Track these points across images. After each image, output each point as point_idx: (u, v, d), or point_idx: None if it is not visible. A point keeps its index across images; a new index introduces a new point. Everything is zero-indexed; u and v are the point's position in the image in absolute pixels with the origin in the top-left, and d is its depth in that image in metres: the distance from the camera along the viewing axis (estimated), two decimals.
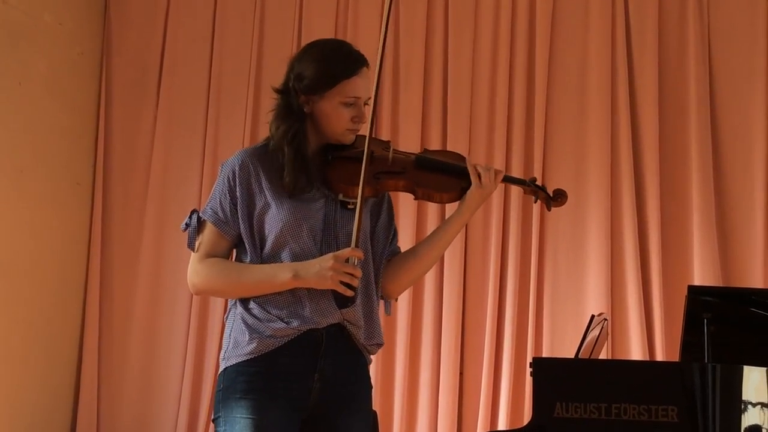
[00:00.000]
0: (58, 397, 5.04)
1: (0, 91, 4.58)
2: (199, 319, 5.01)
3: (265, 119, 4.97)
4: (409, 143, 4.76)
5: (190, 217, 2.46)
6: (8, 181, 4.63)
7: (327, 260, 2.31)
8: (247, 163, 2.42)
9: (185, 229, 2.47)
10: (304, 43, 4.96)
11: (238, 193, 2.40)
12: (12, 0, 4.64)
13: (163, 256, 5.13)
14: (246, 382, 2.36)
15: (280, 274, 2.34)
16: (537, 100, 4.79)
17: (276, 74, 5.00)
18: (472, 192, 2.47)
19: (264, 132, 5.01)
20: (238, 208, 2.40)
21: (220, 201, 2.42)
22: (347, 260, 2.31)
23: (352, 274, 2.30)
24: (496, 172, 2.50)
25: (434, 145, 4.82)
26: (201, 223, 2.44)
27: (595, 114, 4.73)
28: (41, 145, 4.87)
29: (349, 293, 2.31)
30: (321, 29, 5.00)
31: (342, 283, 2.30)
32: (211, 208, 2.43)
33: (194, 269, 2.43)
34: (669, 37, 4.77)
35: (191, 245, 2.45)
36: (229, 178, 2.42)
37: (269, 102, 5.05)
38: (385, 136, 4.78)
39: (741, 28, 4.71)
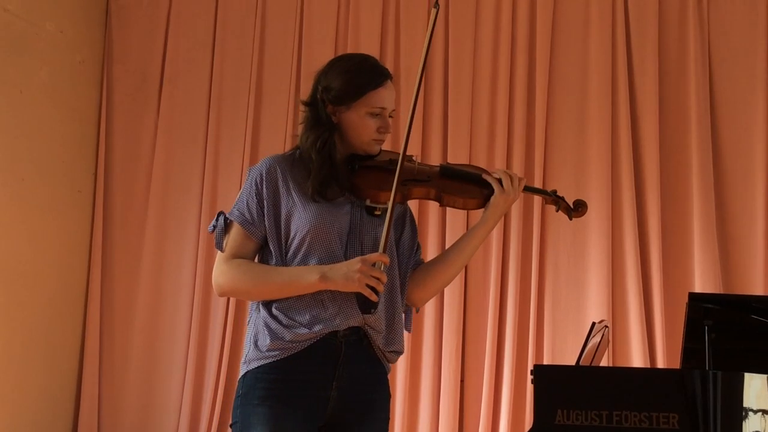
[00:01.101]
0: (59, 405, 5.04)
1: (1, 99, 4.59)
2: (200, 327, 5.01)
3: (266, 127, 5.07)
4: (409, 150, 4.76)
5: (217, 219, 2.50)
6: (9, 189, 4.64)
7: (355, 263, 2.33)
8: (274, 167, 2.47)
9: (212, 231, 2.50)
10: (303, 52, 5.03)
11: (264, 195, 2.44)
12: (13, 8, 4.65)
13: (164, 264, 5.14)
14: (264, 389, 2.38)
15: (307, 276, 2.36)
16: (537, 109, 4.80)
17: (277, 82, 5.09)
18: (495, 197, 2.50)
19: (265, 140, 5.06)
20: (265, 209, 2.44)
21: (247, 202, 2.45)
22: (374, 264, 2.33)
23: (378, 279, 2.32)
24: (519, 179, 2.54)
25: (435, 151, 4.83)
26: (228, 225, 2.47)
27: (595, 122, 4.73)
28: (42, 153, 4.87)
29: (374, 298, 2.33)
30: (321, 39, 5.02)
31: (368, 286, 2.32)
32: (237, 210, 2.46)
33: (220, 270, 2.46)
34: (669, 46, 4.77)
35: (219, 246, 2.48)
36: (256, 181, 2.46)
37: (270, 110, 5.13)
38: (385, 147, 4.78)
39: (741, 36, 4.71)
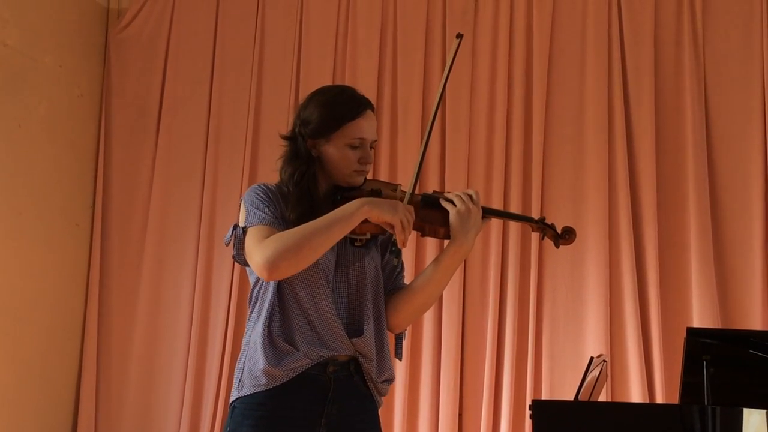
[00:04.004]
0: None
1: (0, 133, 4.59)
2: (197, 362, 4.99)
3: (264, 160, 5.08)
4: (407, 184, 4.77)
5: (234, 231, 2.40)
6: (7, 223, 4.64)
7: (395, 201, 2.38)
8: (268, 187, 2.44)
9: (228, 243, 2.42)
10: (301, 85, 5.05)
11: (272, 199, 2.40)
12: (13, 42, 4.68)
13: (162, 298, 5.12)
14: (252, 425, 2.35)
15: (351, 205, 2.34)
16: (534, 144, 4.80)
17: (275, 116, 5.11)
18: (452, 218, 2.42)
19: (262, 173, 5.07)
20: (277, 208, 2.39)
21: (258, 208, 2.38)
22: None
23: (409, 222, 2.35)
24: (474, 193, 2.47)
25: (432, 185, 4.82)
26: (246, 233, 2.38)
27: (592, 156, 4.74)
28: (40, 187, 4.88)
29: (403, 237, 2.34)
30: (319, 72, 5.03)
31: (402, 231, 2.34)
32: (254, 216, 2.37)
33: (261, 246, 2.29)
34: (665, 78, 4.79)
35: (239, 256, 2.39)
36: (259, 194, 2.41)
37: (268, 143, 5.15)
38: (383, 177, 4.80)
39: (737, 68, 4.73)
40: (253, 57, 5.19)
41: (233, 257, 2.43)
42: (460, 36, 2.48)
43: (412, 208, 2.38)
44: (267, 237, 2.32)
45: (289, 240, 2.28)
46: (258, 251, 2.29)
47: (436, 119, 2.48)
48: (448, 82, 2.50)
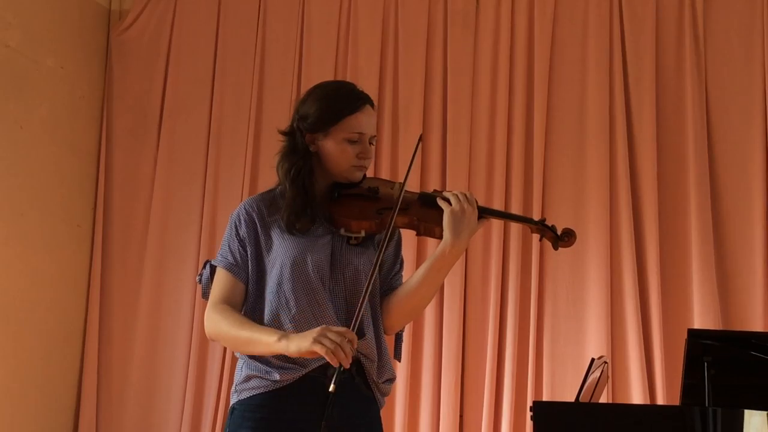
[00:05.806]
0: None
1: (1, 134, 4.60)
2: (198, 364, 4.99)
3: (265, 163, 5.07)
4: (408, 185, 4.77)
5: (203, 268, 2.49)
6: (8, 224, 4.64)
7: (317, 328, 2.21)
8: (251, 208, 2.45)
9: (200, 281, 2.49)
10: (303, 87, 5.04)
11: (243, 235, 2.42)
12: (15, 44, 4.68)
13: (163, 299, 5.12)
14: (251, 428, 2.36)
15: (268, 336, 2.28)
16: (536, 145, 4.80)
17: (276, 119, 5.11)
18: (445, 217, 2.37)
19: (264, 176, 5.07)
20: (247, 249, 2.42)
21: (229, 246, 2.44)
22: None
23: (337, 343, 2.14)
24: (469, 194, 2.42)
25: (433, 185, 4.83)
26: (213, 272, 2.46)
27: (593, 158, 4.74)
28: (42, 188, 4.88)
29: (335, 360, 2.14)
30: (321, 73, 5.03)
31: (329, 351, 2.14)
32: (221, 255, 2.45)
33: (207, 316, 2.42)
34: (666, 81, 4.79)
35: (205, 295, 2.46)
36: (235, 223, 2.45)
37: (269, 146, 5.14)
38: (384, 176, 4.80)
39: (738, 69, 4.74)
40: (255, 59, 5.19)
41: (202, 296, 2.51)
42: (420, 138, 2.55)
43: (346, 330, 2.18)
44: (225, 292, 2.41)
45: (221, 330, 2.37)
46: (205, 316, 2.42)
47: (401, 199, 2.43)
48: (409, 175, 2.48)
